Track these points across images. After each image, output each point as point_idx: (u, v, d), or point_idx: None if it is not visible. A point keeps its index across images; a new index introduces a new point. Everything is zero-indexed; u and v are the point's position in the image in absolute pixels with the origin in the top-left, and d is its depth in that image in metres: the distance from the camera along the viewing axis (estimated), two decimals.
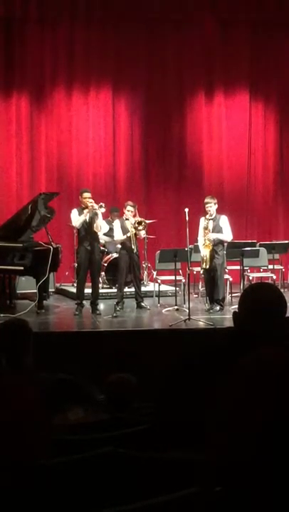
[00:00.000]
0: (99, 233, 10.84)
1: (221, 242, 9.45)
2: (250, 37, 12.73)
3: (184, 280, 10.38)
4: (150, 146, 12.69)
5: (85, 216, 9.19)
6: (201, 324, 8.53)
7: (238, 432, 1.88)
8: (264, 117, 13.03)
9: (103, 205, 9.24)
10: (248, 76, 12.83)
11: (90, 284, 9.50)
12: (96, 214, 9.21)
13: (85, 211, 9.21)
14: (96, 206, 9.17)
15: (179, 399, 2.60)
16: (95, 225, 9.23)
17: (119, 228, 9.60)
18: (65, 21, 12.12)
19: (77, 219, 9.25)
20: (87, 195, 9.38)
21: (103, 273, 10.89)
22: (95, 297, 9.42)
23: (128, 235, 9.44)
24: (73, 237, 10.55)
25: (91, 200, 9.26)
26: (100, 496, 2.68)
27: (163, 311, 9.60)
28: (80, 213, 9.26)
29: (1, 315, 8.79)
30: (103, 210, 9.25)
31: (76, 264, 9.50)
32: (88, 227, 9.25)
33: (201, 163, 12.77)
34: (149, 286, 11.01)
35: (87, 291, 9.54)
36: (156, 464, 2.67)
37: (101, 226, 9.38)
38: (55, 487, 2.66)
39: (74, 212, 9.36)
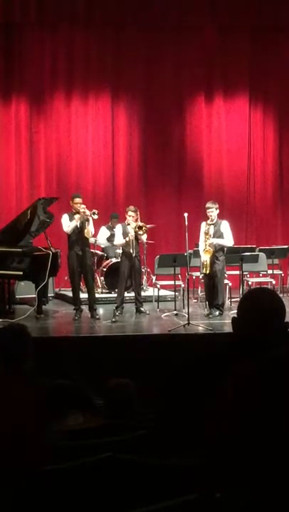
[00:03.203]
0: (98, 238, 10.86)
1: (221, 247, 9.44)
2: (249, 42, 12.75)
3: (183, 285, 10.37)
4: (149, 151, 12.69)
5: (77, 222, 9.17)
6: (201, 329, 8.51)
7: (237, 436, 1.88)
8: (263, 122, 13.05)
9: (96, 212, 9.18)
10: (247, 81, 12.84)
11: (86, 289, 9.52)
12: (87, 219, 9.17)
13: (76, 216, 9.18)
14: (88, 212, 9.13)
15: (178, 404, 2.59)
16: (85, 231, 9.20)
17: (120, 233, 9.60)
18: (64, 26, 12.13)
19: (68, 224, 9.24)
20: (78, 200, 9.35)
21: (102, 278, 10.89)
22: (93, 301, 9.41)
23: (127, 239, 9.43)
24: None
25: (83, 206, 9.23)
26: (99, 502, 2.68)
27: (162, 316, 9.59)
28: (71, 218, 9.23)
29: (0, 320, 8.78)
30: (96, 217, 9.20)
31: (68, 271, 9.49)
32: (79, 232, 9.22)
33: (200, 168, 12.78)
34: (148, 291, 11.00)
35: (84, 295, 9.53)
36: (155, 469, 2.66)
37: (91, 232, 9.36)
38: (55, 493, 2.65)
39: (64, 217, 9.33)
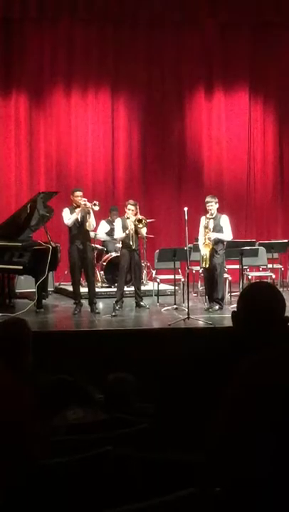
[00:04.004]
0: (98, 233, 10.86)
1: (221, 241, 9.44)
2: (249, 38, 12.73)
3: (183, 279, 10.37)
4: (149, 146, 12.69)
5: (77, 214, 9.18)
6: (201, 323, 8.52)
7: (237, 432, 1.88)
8: (263, 117, 13.03)
9: (97, 203, 9.19)
10: (247, 76, 12.84)
11: (86, 284, 9.52)
12: (88, 212, 9.18)
13: (77, 210, 9.19)
14: (89, 204, 9.14)
15: (178, 398, 2.59)
16: (87, 224, 9.21)
17: (120, 227, 9.59)
18: (64, 21, 12.11)
19: (69, 217, 9.24)
20: (78, 193, 9.36)
21: (102, 272, 10.89)
22: (93, 296, 9.41)
23: (127, 232, 9.43)
24: None
25: (84, 199, 9.24)
26: (99, 497, 2.68)
27: (162, 310, 9.59)
28: (72, 212, 9.24)
29: (0, 314, 8.78)
30: (97, 208, 9.21)
31: (69, 264, 9.48)
32: (80, 225, 9.23)
33: (200, 163, 12.77)
34: (148, 286, 11.00)
35: (84, 290, 9.53)
36: (155, 464, 2.66)
37: (93, 224, 9.36)
38: (54, 487, 2.65)
39: (65, 211, 9.34)
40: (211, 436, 1.93)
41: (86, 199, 9.28)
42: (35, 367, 3.65)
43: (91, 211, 9.17)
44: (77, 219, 9.19)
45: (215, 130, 12.85)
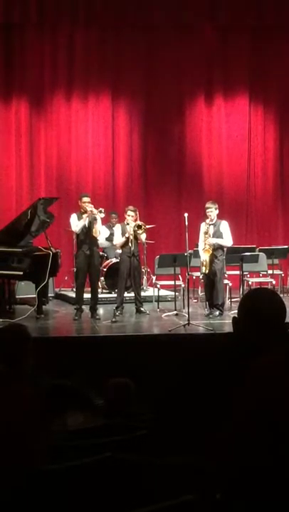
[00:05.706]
0: (99, 238, 10.86)
1: (220, 247, 9.44)
2: (249, 43, 12.74)
3: (183, 285, 10.37)
4: (149, 151, 12.70)
5: (85, 221, 9.19)
6: (201, 329, 8.51)
7: (244, 437, 1.87)
8: (264, 122, 13.04)
9: (103, 210, 9.22)
10: (247, 81, 12.84)
11: (89, 289, 9.51)
12: (95, 219, 9.20)
13: (84, 216, 9.20)
14: (95, 211, 9.16)
15: (177, 404, 2.59)
16: (94, 230, 9.22)
17: (119, 233, 9.60)
18: (64, 27, 12.14)
19: (76, 224, 9.25)
20: (86, 199, 9.37)
21: (102, 278, 10.88)
22: (95, 302, 9.41)
23: (126, 235, 9.42)
24: (72, 242, 10.55)
25: (91, 205, 9.25)
26: (99, 502, 2.67)
27: (162, 316, 9.58)
28: (79, 218, 9.25)
29: (0, 320, 8.78)
30: (102, 215, 9.23)
31: (75, 269, 9.48)
32: (87, 231, 9.24)
33: (200, 169, 12.78)
34: (148, 291, 11.00)
35: (87, 296, 9.53)
36: (154, 469, 2.66)
37: (100, 231, 9.37)
38: (54, 493, 2.65)
39: (73, 217, 9.36)
40: (222, 444, 1.92)
41: (93, 205, 9.29)
42: (36, 372, 3.64)
43: (98, 217, 9.18)
44: (84, 225, 9.20)
45: (215, 135, 12.86)
